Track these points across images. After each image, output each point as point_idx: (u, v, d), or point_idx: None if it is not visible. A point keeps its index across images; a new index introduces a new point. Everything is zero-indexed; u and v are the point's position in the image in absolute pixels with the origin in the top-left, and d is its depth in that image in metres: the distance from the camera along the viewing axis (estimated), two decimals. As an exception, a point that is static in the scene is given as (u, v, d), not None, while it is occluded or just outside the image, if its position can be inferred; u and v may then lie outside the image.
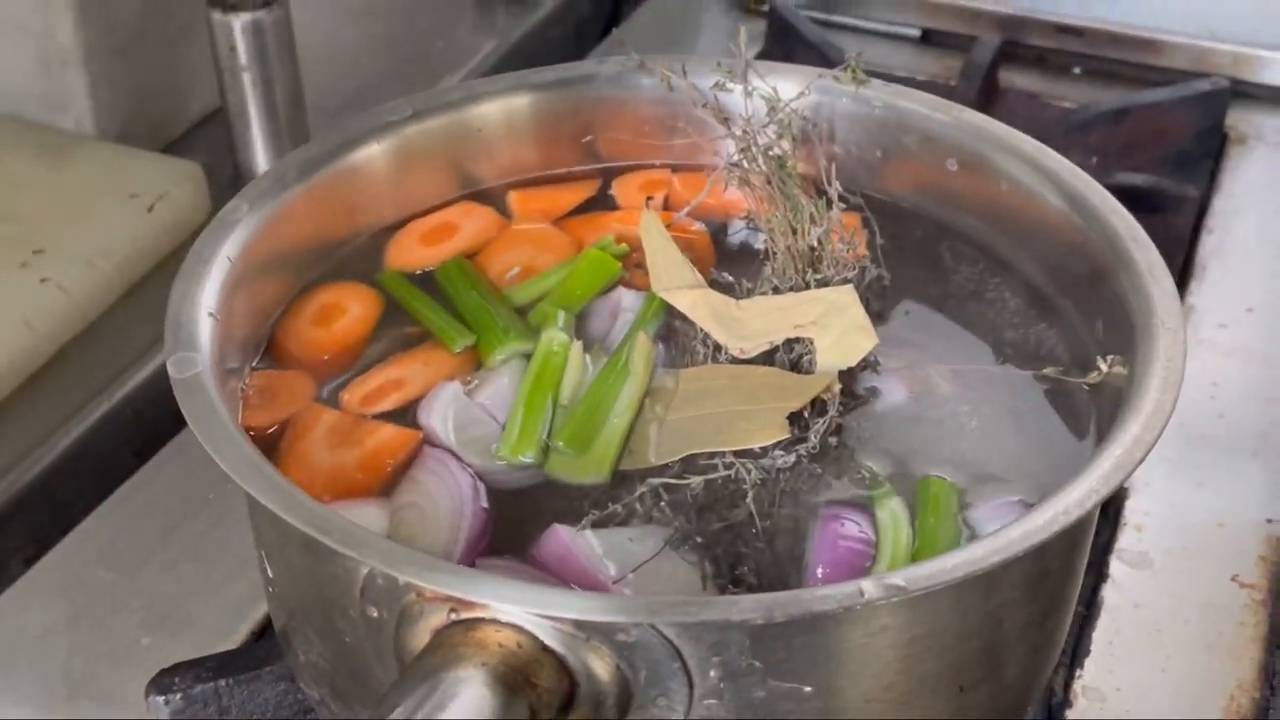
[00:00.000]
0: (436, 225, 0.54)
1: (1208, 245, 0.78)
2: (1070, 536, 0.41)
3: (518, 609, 0.36)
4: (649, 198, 0.54)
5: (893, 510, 0.44)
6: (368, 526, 0.42)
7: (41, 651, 0.56)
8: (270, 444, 0.47)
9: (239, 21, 0.74)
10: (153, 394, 0.67)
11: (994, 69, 0.89)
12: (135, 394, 0.67)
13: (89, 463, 0.65)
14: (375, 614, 0.40)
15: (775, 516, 0.43)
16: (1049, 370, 0.49)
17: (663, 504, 0.43)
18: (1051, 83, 0.91)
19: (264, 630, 0.55)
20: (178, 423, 0.63)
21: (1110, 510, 0.62)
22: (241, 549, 0.57)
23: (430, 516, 0.44)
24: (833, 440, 0.46)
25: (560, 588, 0.40)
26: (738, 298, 0.50)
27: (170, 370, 0.43)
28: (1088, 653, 0.56)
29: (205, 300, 0.46)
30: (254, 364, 0.49)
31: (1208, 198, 0.81)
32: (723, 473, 0.43)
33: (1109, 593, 0.58)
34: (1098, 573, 0.59)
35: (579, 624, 0.36)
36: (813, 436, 0.44)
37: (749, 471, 0.43)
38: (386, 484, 0.46)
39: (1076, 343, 0.49)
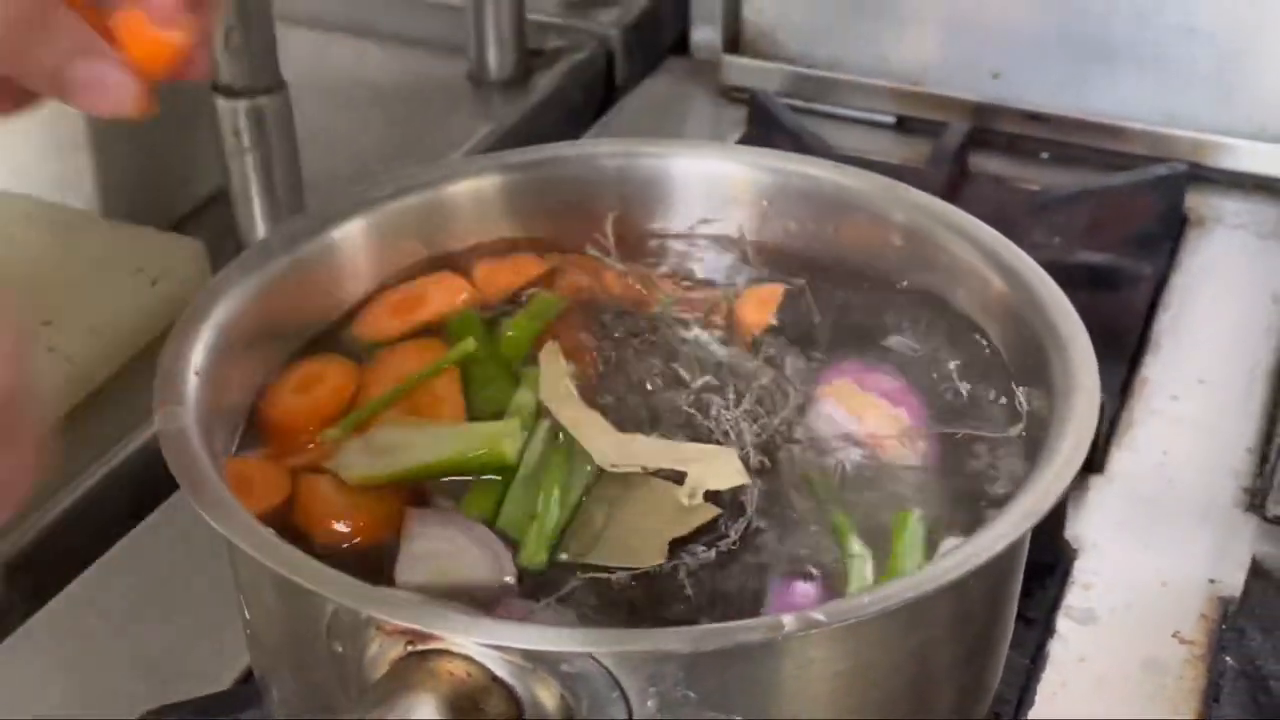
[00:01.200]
0: (406, 297, 0.58)
1: (1163, 321, 0.81)
2: (986, 578, 0.44)
3: (468, 640, 0.40)
4: (554, 337, 0.56)
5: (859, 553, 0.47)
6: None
7: (35, 696, 0.59)
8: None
9: (242, 106, 0.78)
10: (151, 457, 0.70)
11: (963, 153, 0.93)
12: (134, 457, 0.70)
13: (89, 522, 0.68)
14: (340, 649, 0.43)
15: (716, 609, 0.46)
16: (983, 429, 0.52)
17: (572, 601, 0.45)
18: (1020, 167, 0.95)
19: (248, 677, 0.58)
20: (173, 485, 0.68)
21: (1059, 569, 0.65)
22: (229, 603, 0.60)
23: (461, 554, 0.47)
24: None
25: (508, 621, 0.43)
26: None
27: (157, 422, 0.46)
28: (1031, 703, 0.58)
29: (194, 360, 0.50)
30: (237, 437, 0.53)
31: (1166, 276, 0.85)
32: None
33: (1055, 647, 0.61)
34: (1045, 627, 0.62)
35: (525, 654, 0.40)
36: (732, 534, 0.47)
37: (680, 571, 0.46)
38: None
39: (1007, 402, 0.53)
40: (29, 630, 0.63)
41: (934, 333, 0.57)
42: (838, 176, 0.59)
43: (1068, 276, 0.82)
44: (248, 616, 0.48)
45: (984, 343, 0.54)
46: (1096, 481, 0.70)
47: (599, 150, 0.60)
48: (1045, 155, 0.96)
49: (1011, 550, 0.43)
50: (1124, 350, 0.79)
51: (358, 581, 0.42)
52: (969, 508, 0.49)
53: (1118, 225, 0.87)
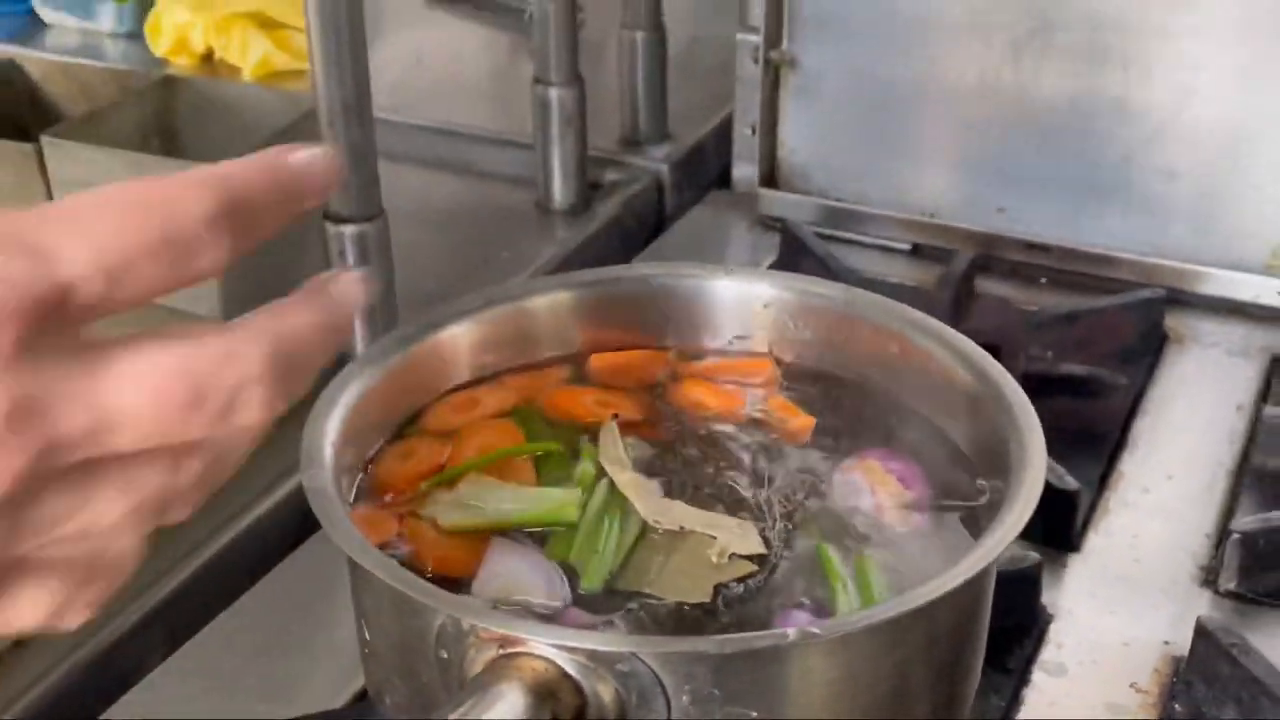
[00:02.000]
0: (465, 399, 0.71)
1: (1140, 425, 0.93)
2: (950, 609, 0.55)
3: (546, 643, 0.52)
4: (615, 415, 0.69)
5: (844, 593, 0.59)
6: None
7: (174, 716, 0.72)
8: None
9: (348, 231, 0.92)
10: (273, 521, 0.84)
11: (970, 278, 1.05)
12: (262, 518, 0.83)
13: (221, 574, 0.81)
14: (445, 655, 0.55)
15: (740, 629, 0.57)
16: (953, 502, 0.64)
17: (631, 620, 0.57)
18: (1021, 290, 1.08)
19: (361, 697, 0.70)
20: (292, 545, 0.81)
21: (1035, 630, 0.76)
22: (344, 640, 0.71)
23: (525, 578, 0.59)
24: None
25: (578, 629, 0.55)
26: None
27: (304, 480, 0.59)
28: (1006, 739, 0.70)
29: (329, 434, 0.63)
30: (354, 492, 0.65)
31: (1145, 386, 0.97)
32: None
33: (1029, 694, 0.72)
34: (1021, 677, 0.73)
35: (589, 655, 0.52)
36: (759, 577, 0.60)
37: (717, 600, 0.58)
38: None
39: (974, 480, 0.65)
40: (170, 665, 0.75)
41: (922, 428, 0.69)
42: (846, 296, 0.72)
43: (1057, 385, 0.96)
44: (367, 637, 0.61)
45: (954, 438, 0.67)
46: (1073, 559, 0.82)
47: (650, 272, 0.73)
48: (1043, 280, 1.08)
49: (968, 587, 0.54)
50: (1104, 448, 0.90)
51: (462, 598, 0.54)
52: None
53: (1105, 341, 0.99)
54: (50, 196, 0.96)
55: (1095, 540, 0.83)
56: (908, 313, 0.70)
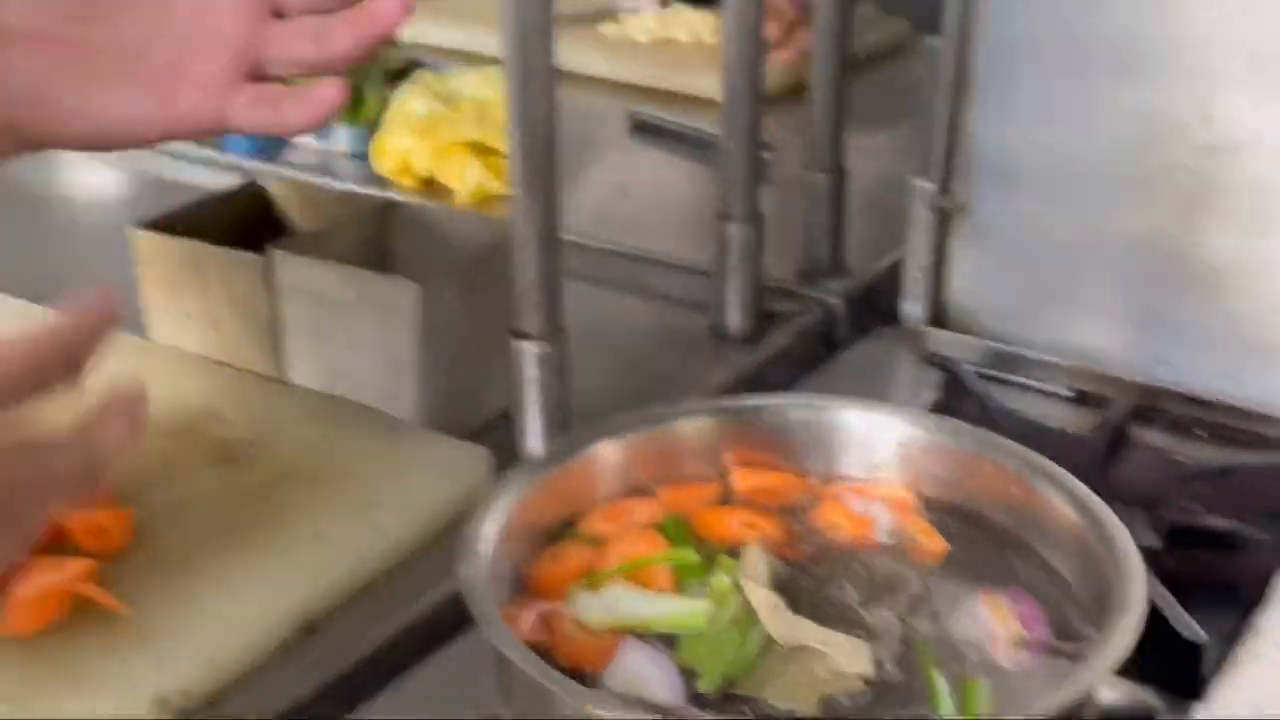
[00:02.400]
0: (618, 509, 0.78)
1: (1282, 582, 0.94)
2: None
3: (653, 731, 0.58)
4: (761, 537, 0.75)
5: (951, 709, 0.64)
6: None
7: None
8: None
9: (532, 348, 1.00)
10: (438, 612, 0.91)
11: (1126, 426, 1.08)
12: (436, 610, 0.91)
13: (386, 658, 0.89)
14: (571, 736, 0.61)
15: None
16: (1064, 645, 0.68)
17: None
18: (1178, 442, 1.09)
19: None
20: (452, 635, 0.88)
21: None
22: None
23: (649, 678, 0.65)
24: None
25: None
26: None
27: (459, 569, 0.67)
28: None
29: (485, 533, 0.70)
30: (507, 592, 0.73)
31: (1293, 547, 0.98)
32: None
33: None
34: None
35: (691, 746, 0.58)
36: (867, 695, 0.65)
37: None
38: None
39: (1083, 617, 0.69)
40: (332, 737, 0.83)
41: (1042, 568, 0.73)
42: (972, 436, 0.77)
43: (1201, 538, 0.98)
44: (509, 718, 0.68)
45: (1069, 580, 0.71)
46: (1197, 707, 0.84)
47: (788, 403, 0.80)
48: (1202, 434, 1.10)
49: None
50: (1242, 603, 0.92)
51: (585, 688, 0.60)
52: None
53: (1255, 498, 1.01)
54: (275, 303, 1.07)
55: (1221, 691, 0.85)
56: (1027, 455, 0.74)
